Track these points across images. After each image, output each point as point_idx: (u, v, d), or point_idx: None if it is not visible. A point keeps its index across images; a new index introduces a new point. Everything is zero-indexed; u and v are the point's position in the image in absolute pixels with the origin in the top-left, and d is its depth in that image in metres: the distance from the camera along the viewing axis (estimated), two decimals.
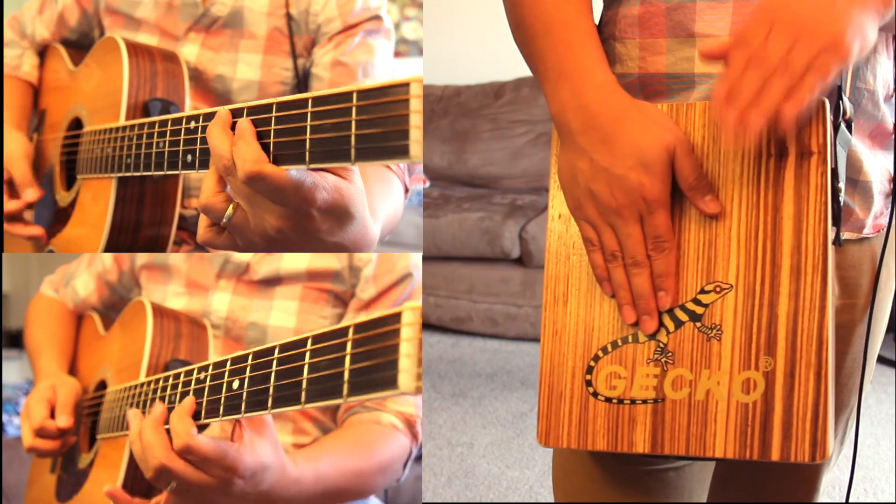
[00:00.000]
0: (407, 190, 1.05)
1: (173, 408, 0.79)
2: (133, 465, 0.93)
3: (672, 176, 0.73)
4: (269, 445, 0.77)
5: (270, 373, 0.68)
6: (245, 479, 0.76)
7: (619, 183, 0.72)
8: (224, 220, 0.71)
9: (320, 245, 0.72)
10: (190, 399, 0.78)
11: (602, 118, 0.73)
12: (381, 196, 0.93)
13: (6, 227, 1.10)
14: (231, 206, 0.71)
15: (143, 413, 0.87)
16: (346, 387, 0.60)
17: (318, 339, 0.64)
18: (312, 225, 0.69)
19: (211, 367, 0.78)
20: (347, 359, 0.60)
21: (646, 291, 0.74)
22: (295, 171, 0.66)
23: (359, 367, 0.59)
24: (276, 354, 0.69)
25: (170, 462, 0.76)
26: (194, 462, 0.75)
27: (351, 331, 0.61)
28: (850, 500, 1.98)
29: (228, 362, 0.75)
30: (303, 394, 0.64)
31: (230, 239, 0.74)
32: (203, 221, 0.74)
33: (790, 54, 0.66)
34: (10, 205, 1.10)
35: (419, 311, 0.57)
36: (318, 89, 1.07)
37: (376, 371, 0.58)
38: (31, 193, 1.09)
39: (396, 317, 0.57)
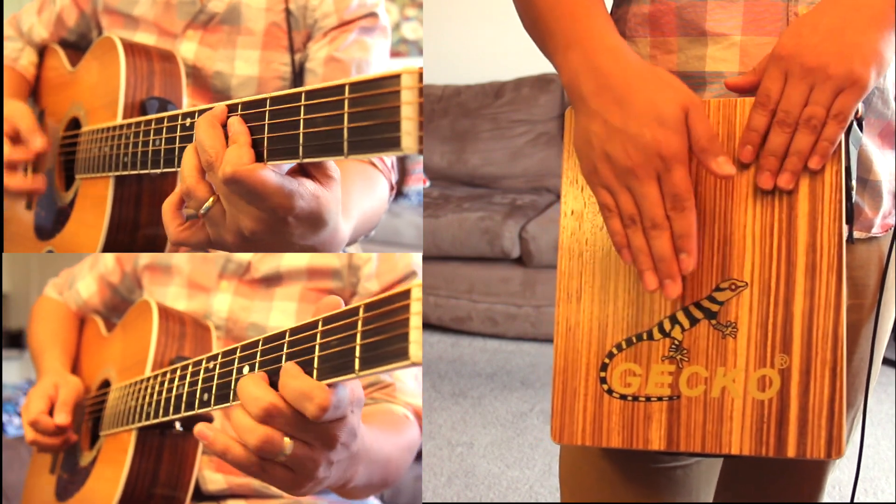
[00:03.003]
0: (393, 188, 1.05)
1: (181, 399, 0.79)
2: (138, 459, 0.93)
3: (688, 138, 0.70)
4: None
5: (281, 356, 0.68)
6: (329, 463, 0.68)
7: (634, 141, 0.69)
8: (202, 211, 0.72)
9: (290, 248, 0.73)
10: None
11: (614, 79, 0.71)
12: (359, 195, 0.93)
13: (6, 180, 1.07)
14: (211, 199, 0.71)
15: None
16: (357, 362, 0.61)
17: (328, 320, 0.64)
18: (287, 230, 0.70)
19: (220, 356, 0.77)
20: (358, 336, 0.61)
21: (667, 254, 0.71)
22: (276, 178, 0.67)
23: (370, 342, 0.60)
24: (286, 338, 0.69)
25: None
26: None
27: (361, 310, 0.62)
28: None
29: (238, 349, 0.75)
30: (315, 372, 0.64)
31: (203, 237, 0.74)
32: (175, 221, 0.75)
33: (808, 105, 0.68)
34: (16, 152, 1.07)
35: (420, 287, 0.59)
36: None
37: (388, 345, 0.59)
38: (38, 141, 1.07)
39: (405, 294, 0.58)
